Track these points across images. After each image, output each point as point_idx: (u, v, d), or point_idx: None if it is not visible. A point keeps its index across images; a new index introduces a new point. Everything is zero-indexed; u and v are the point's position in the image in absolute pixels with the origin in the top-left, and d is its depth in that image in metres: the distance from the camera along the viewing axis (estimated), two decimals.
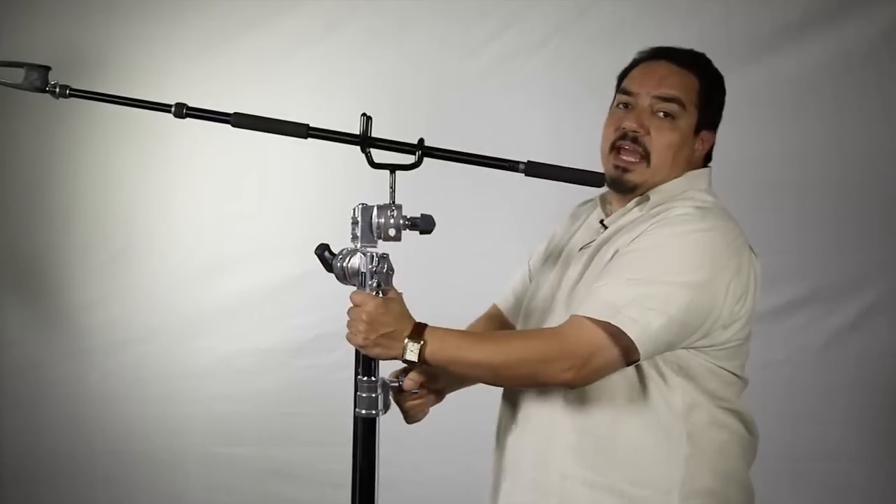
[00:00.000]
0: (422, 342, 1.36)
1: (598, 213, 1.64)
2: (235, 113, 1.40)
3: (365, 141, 1.39)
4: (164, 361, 3.19)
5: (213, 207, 3.16)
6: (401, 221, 1.37)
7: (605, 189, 1.62)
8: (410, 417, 1.56)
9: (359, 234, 1.38)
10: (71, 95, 1.39)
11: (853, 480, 2.70)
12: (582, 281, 1.52)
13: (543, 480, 1.52)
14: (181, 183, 3.18)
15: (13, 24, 3.18)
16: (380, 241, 1.39)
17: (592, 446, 1.48)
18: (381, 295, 1.36)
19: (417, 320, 1.39)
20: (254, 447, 3.14)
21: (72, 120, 3.18)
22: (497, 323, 1.82)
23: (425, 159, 1.41)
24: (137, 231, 3.22)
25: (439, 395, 1.60)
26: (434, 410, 1.61)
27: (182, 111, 1.39)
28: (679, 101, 1.52)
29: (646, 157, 1.52)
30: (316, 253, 1.42)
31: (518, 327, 1.72)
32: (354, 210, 1.39)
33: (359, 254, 1.37)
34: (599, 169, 1.56)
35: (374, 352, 1.37)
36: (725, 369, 1.50)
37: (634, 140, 1.52)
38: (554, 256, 1.68)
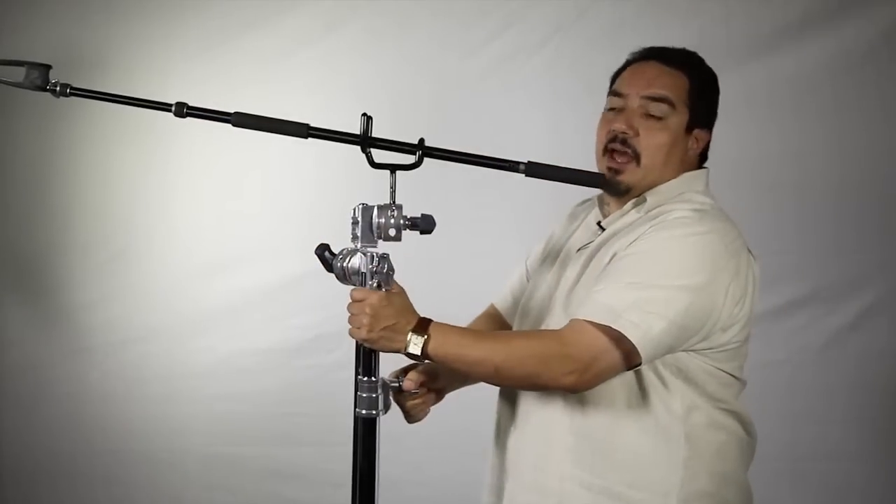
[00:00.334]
0: (426, 336, 1.36)
1: (595, 214, 1.64)
2: (236, 112, 1.41)
3: (365, 141, 1.39)
4: (164, 361, 3.19)
5: (213, 207, 3.16)
6: (401, 221, 1.37)
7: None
8: (411, 417, 1.57)
9: (359, 234, 1.38)
10: (72, 94, 1.40)
11: (853, 480, 2.70)
12: (580, 283, 1.52)
13: (543, 482, 1.52)
14: (181, 182, 3.18)
15: (13, 23, 3.18)
16: (380, 241, 1.39)
17: (590, 449, 1.48)
18: None
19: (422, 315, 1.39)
20: (254, 447, 3.14)
21: (72, 119, 3.18)
22: (495, 322, 1.82)
23: (425, 159, 1.41)
24: (137, 231, 3.22)
25: (439, 395, 1.61)
26: (434, 410, 1.61)
27: (183, 110, 1.39)
28: (668, 101, 1.52)
29: (636, 157, 1.52)
30: (316, 253, 1.42)
31: (514, 327, 1.72)
32: (355, 210, 1.39)
33: (359, 254, 1.38)
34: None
35: (377, 345, 1.37)
36: (724, 371, 1.50)
37: (624, 142, 1.52)
38: (552, 256, 1.68)
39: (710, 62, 1.61)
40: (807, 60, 2.67)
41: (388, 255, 1.37)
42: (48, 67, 1.39)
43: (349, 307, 1.38)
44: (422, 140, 1.41)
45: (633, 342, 1.35)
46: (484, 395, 1.64)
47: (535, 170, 1.41)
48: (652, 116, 1.52)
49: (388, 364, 1.47)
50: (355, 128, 1.40)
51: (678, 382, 1.46)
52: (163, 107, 1.40)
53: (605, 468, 1.47)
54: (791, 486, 2.68)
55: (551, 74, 2.86)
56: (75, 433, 3.24)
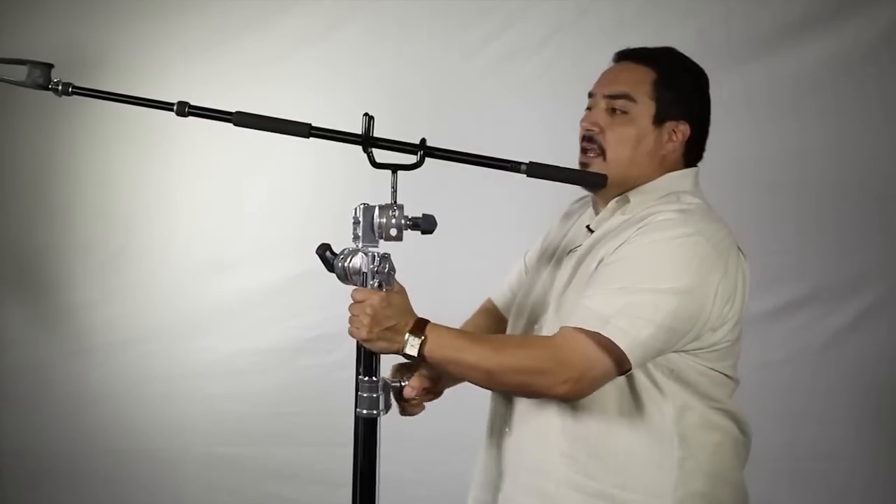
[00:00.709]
0: (423, 338, 1.37)
1: (589, 215, 1.65)
2: (238, 112, 1.40)
3: (367, 141, 1.39)
4: (164, 361, 3.18)
5: (213, 207, 3.16)
6: (402, 221, 1.37)
7: None
8: (406, 411, 1.56)
9: (360, 234, 1.38)
10: (74, 93, 1.39)
11: (853, 480, 2.70)
12: (570, 287, 1.52)
13: (538, 484, 1.53)
14: (181, 182, 3.18)
15: (14, 23, 3.18)
16: (381, 241, 1.39)
17: (585, 452, 1.49)
18: None
19: (420, 316, 1.39)
20: (254, 447, 3.14)
21: (73, 118, 3.18)
22: (492, 318, 1.83)
23: (426, 159, 1.41)
24: (137, 230, 3.21)
25: (437, 394, 1.60)
26: (435, 411, 1.61)
27: (184, 110, 1.39)
28: (627, 96, 1.54)
29: (602, 152, 1.55)
30: (317, 253, 1.42)
31: (509, 324, 1.72)
32: (356, 210, 1.39)
33: (360, 254, 1.38)
34: None
35: (377, 346, 1.37)
36: (716, 370, 1.50)
37: (591, 139, 1.56)
38: (548, 255, 1.69)
39: (710, 62, 1.61)
40: (807, 60, 2.67)
41: (389, 254, 1.37)
42: (50, 66, 1.39)
43: (350, 308, 1.38)
44: (423, 140, 1.41)
45: (622, 348, 1.36)
46: (484, 395, 1.64)
47: (537, 170, 1.41)
48: (615, 112, 1.55)
49: (389, 362, 1.47)
50: (355, 127, 1.40)
51: (670, 383, 1.47)
52: (165, 106, 1.40)
53: (600, 471, 1.48)
54: (791, 486, 2.68)
55: (551, 74, 2.86)
56: (75, 433, 3.24)
